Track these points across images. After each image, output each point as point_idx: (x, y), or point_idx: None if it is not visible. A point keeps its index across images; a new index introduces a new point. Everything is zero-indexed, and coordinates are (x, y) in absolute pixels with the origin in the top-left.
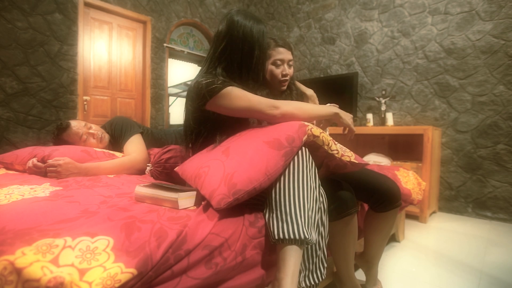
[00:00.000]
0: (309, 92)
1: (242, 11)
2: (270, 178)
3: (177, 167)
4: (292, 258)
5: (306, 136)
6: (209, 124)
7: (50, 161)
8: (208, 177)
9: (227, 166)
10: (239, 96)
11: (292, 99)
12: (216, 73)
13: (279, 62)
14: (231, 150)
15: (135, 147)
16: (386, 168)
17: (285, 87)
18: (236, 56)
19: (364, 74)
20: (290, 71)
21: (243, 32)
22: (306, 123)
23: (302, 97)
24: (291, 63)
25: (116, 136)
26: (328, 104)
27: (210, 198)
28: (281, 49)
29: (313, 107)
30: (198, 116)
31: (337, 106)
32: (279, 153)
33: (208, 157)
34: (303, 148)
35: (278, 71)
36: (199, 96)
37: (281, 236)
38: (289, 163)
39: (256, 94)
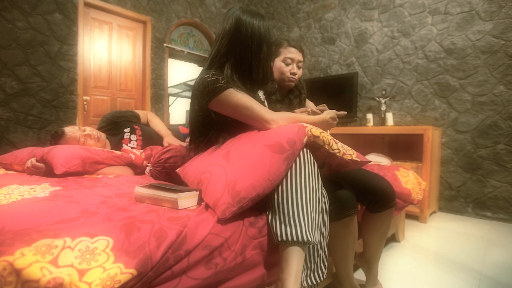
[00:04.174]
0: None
1: (247, 9)
2: (273, 183)
3: (178, 169)
4: (295, 259)
5: (306, 138)
6: (215, 127)
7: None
8: (210, 185)
9: (229, 172)
10: (241, 100)
11: (300, 101)
12: (223, 70)
13: (289, 61)
14: (231, 154)
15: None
16: (386, 168)
17: (291, 85)
18: (246, 55)
19: (364, 74)
20: (299, 71)
21: (252, 30)
22: (305, 124)
23: (305, 102)
24: (300, 64)
25: (123, 116)
26: (321, 105)
27: (214, 207)
28: (292, 49)
29: (307, 119)
30: (203, 117)
31: (325, 105)
32: (281, 157)
33: (209, 161)
34: (305, 149)
35: (287, 69)
36: (204, 93)
37: (284, 238)
38: (291, 165)
39: (266, 89)
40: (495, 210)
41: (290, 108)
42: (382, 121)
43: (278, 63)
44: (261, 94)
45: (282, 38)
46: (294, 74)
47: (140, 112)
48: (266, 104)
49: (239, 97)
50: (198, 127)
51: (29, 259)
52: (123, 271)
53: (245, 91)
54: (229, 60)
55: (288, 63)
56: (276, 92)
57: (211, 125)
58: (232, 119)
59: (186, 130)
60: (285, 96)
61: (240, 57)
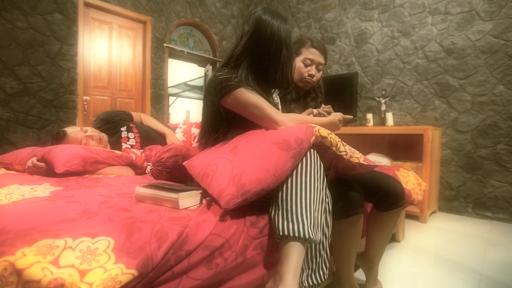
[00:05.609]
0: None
1: (269, 10)
2: (279, 179)
3: (185, 162)
4: (295, 254)
5: (314, 137)
6: (225, 123)
7: None
8: (216, 177)
9: (235, 165)
10: (251, 100)
11: (316, 105)
12: (238, 70)
13: (308, 62)
14: (238, 149)
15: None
16: (386, 168)
17: (307, 87)
18: (263, 56)
19: (364, 74)
20: (318, 74)
21: (271, 32)
22: (313, 125)
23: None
24: (320, 67)
25: (117, 115)
26: (322, 106)
27: (218, 198)
28: (314, 50)
29: (315, 121)
30: (215, 113)
31: (330, 106)
32: (288, 154)
33: (216, 155)
34: (312, 149)
35: (305, 70)
36: (216, 91)
37: (286, 233)
38: (298, 164)
39: (282, 92)
40: (495, 210)
41: (305, 109)
42: (382, 121)
43: (298, 62)
44: (275, 95)
45: (306, 37)
46: (311, 76)
47: (132, 112)
48: (280, 106)
49: (249, 96)
50: (209, 123)
51: (30, 259)
52: (124, 272)
53: (259, 91)
54: (246, 59)
55: (307, 64)
56: (291, 91)
57: (221, 121)
58: (240, 117)
59: (174, 125)
60: (301, 96)
61: (257, 57)
